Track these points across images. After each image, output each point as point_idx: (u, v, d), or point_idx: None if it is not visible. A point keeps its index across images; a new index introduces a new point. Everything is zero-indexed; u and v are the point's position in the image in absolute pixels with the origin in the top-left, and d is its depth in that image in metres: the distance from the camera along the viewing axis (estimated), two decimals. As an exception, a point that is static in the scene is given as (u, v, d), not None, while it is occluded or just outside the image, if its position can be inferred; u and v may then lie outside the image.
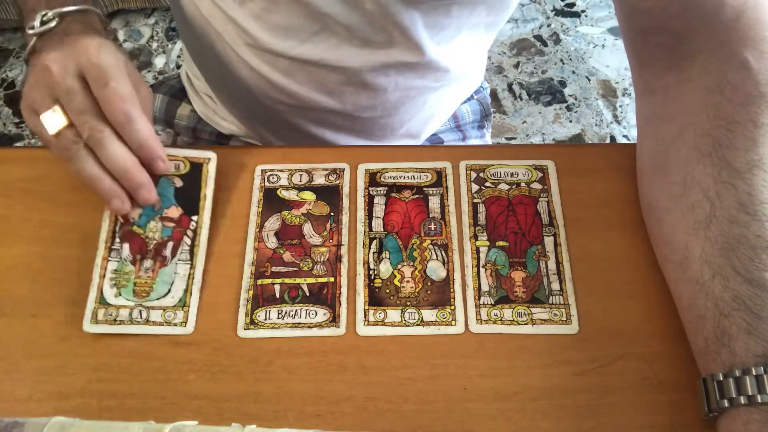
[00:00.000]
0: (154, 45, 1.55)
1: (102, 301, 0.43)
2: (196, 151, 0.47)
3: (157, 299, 0.43)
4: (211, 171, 0.46)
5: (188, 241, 0.45)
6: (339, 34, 0.52)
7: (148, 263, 0.44)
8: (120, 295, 0.43)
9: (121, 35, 1.57)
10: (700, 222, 0.38)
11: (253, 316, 0.43)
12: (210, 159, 0.47)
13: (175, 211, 0.45)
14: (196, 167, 0.47)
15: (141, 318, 0.42)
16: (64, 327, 0.42)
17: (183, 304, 0.43)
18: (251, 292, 0.44)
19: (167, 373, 0.41)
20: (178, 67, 1.51)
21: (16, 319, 0.43)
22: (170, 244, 0.45)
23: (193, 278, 0.44)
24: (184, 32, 0.63)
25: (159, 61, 1.53)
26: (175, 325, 0.42)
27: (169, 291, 0.43)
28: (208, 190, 0.46)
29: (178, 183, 0.46)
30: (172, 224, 0.45)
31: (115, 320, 0.42)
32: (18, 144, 1.40)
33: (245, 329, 0.42)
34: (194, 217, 0.45)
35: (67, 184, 0.48)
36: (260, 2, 0.51)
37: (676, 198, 0.41)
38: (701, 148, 0.40)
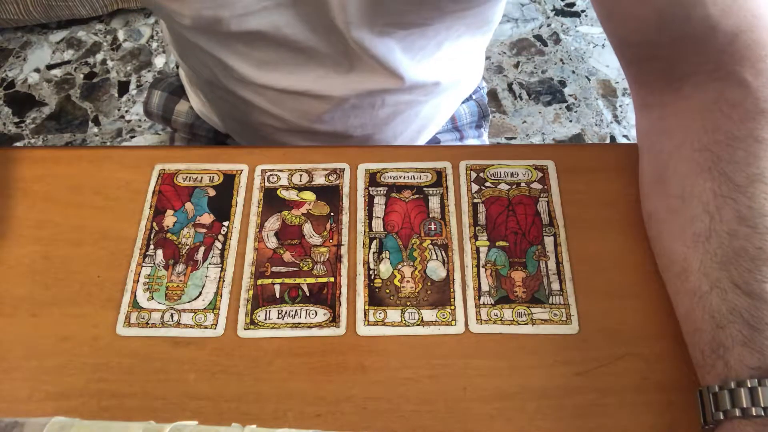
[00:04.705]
0: (154, 45, 1.55)
1: (135, 304, 0.43)
2: (229, 164, 0.49)
3: (188, 302, 0.43)
4: (242, 180, 0.48)
5: (219, 245, 0.46)
6: (325, 65, 0.52)
7: (180, 267, 0.45)
8: (153, 298, 0.44)
9: (121, 35, 1.57)
10: (700, 235, 0.38)
11: (253, 316, 0.43)
12: (242, 170, 0.49)
13: (207, 218, 0.47)
14: (229, 178, 0.49)
15: (172, 321, 0.43)
16: (65, 327, 0.42)
17: (213, 306, 0.43)
18: (251, 292, 0.44)
19: (167, 373, 0.41)
20: (178, 66, 1.51)
21: (16, 319, 0.43)
22: (202, 249, 0.45)
23: (223, 281, 0.44)
24: (172, 47, 0.63)
25: (159, 61, 1.53)
26: (206, 327, 0.42)
27: (200, 294, 0.44)
28: (240, 198, 0.48)
29: (212, 193, 0.48)
30: (204, 230, 0.46)
31: (147, 323, 0.43)
32: (18, 144, 1.40)
33: (245, 329, 0.42)
34: (225, 223, 0.47)
35: (67, 184, 0.49)
36: (242, 43, 0.51)
37: (675, 211, 0.40)
38: (700, 163, 0.39)
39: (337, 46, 0.50)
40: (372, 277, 0.44)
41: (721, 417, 0.35)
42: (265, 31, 0.48)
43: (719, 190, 0.38)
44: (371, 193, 0.48)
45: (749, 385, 0.33)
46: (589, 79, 1.50)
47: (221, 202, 0.48)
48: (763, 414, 0.33)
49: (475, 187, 0.48)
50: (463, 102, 0.73)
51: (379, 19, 0.48)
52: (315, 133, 0.60)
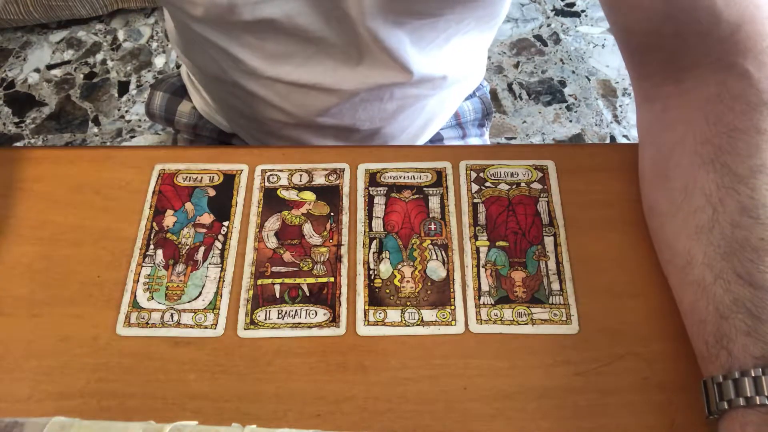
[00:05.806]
0: (154, 45, 1.55)
1: (135, 304, 0.43)
2: (229, 164, 0.49)
3: (188, 302, 0.43)
4: (242, 180, 0.48)
5: (219, 245, 0.46)
6: (335, 57, 0.52)
7: (180, 267, 0.45)
8: (153, 298, 0.44)
9: (121, 35, 1.57)
10: (703, 227, 0.38)
11: (253, 316, 0.43)
12: (242, 170, 0.49)
13: (207, 218, 0.47)
14: (229, 178, 0.49)
15: (172, 321, 0.43)
16: (64, 327, 0.42)
17: (213, 306, 0.43)
18: (251, 292, 0.44)
19: (167, 373, 0.41)
20: (178, 66, 1.51)
21: (16, 319, 0.43)
22: (202, 249, 0.46)
23: (223, 281, 0.44)
24: (176, 44, 0.63)
25: (159, 61, 1.53)
26: (206, 327, 0.42)
27: (200, 294, 0.44)
28: (240, 198, 0.48)
29: (212, 193, 0.48)
30: (204, 230, 0.46)
31: (147, 323, 0.43)
32: (18, 144, 1.40)
33: (245, 329, 0.42)
34: (225, 223, 0.47)
35: (67, 184, 0.49)
36: (252, 35, 0.51)
37: (678, 203, 0.41)
38: (702, 155, 0.40)
39: (349, 37, 0.50)
40: (372, 277, 0.44)
41: (726, 406, 0.35)
42: (277, 20, 0.48)
43: (721, 181, 0.38)
44: (371, 193, 0.48)
45: (753, 375, 0.34)
46: (589, 79, 1.50)
47: (221, 202, 0.48)
48: (767, 402, 0.33)
49: (475, 187, 0.48)
50: (467, 99, 0.73)
51: (394, 9, 0.48)
52: (322, 127, 0.60)
